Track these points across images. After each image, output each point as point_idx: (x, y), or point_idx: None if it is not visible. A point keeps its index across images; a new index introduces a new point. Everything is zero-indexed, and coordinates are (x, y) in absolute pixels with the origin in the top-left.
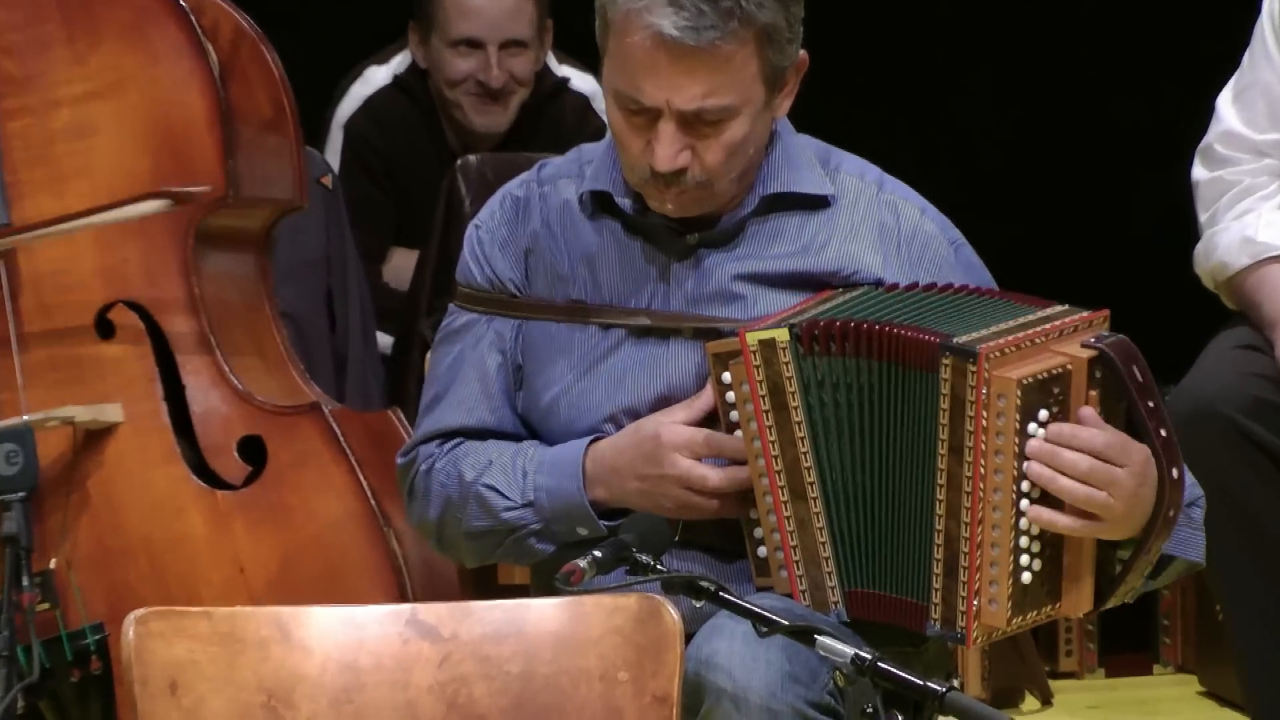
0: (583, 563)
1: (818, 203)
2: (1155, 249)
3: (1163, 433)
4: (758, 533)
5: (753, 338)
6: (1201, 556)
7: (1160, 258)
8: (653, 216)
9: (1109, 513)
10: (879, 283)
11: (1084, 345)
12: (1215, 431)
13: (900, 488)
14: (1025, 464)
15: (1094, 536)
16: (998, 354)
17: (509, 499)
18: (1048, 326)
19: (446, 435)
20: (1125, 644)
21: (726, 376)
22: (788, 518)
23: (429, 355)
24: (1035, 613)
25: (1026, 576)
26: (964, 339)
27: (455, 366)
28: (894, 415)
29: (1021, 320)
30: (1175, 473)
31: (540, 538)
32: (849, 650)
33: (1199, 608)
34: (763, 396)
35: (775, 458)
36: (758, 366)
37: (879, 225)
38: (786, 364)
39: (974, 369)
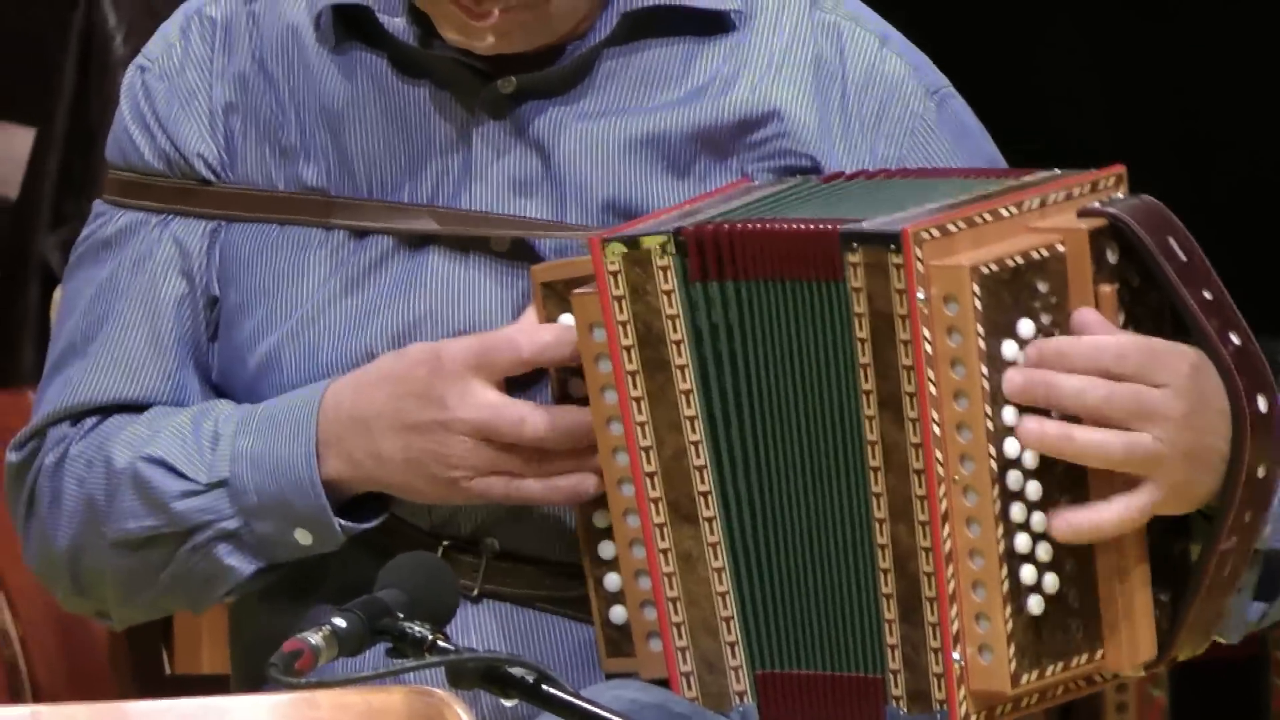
0: (315, 638)
1: (713, 22)
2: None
3: (1233, 338)
4: (612, 579)
5: (614, 251)
6: None
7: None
8: (441, 47)
9: (1154, 465)
10: (813, 163)
11: (1082, 214)
12: None
13: (820, 488)
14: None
15: (1139, 516)
16: (935, 232)
17: (186, 478)
18: (1021, 194)
19: (86, 412)
20: None
21: (566, 320)
22: (665, 552)
23: (59, 290)
24: (1060, 666)
25: (1036, 602)
26: (877, 221)
27: (104, 300)
28: (795, 367)
29: (978, 192)
30: (1263, 401)
31: (234, 545)
32: None
33: None
34: (628, 349)
35: (647, 452)
36: (620, 299)
37: (813, 59)
38: (669, 294)
39: (899, 261)
